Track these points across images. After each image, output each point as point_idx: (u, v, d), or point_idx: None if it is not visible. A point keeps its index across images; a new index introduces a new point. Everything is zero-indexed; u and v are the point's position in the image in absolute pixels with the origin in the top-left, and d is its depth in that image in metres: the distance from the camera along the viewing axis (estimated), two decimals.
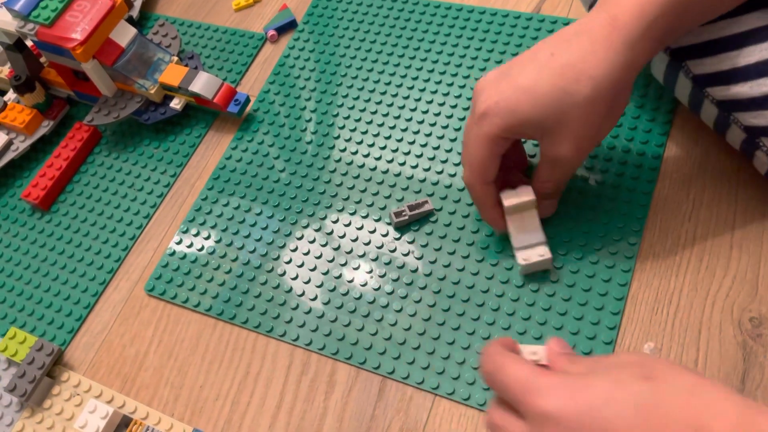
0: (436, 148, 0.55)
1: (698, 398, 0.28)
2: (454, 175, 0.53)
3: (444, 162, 0.54)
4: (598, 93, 0.39)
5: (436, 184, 0.53)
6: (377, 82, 0.60)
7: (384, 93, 0.59)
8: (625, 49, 0.38)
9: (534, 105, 0.40)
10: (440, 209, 0.51)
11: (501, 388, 0.33)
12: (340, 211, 0.53)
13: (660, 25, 0.38)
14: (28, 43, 0.62)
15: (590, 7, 0.48)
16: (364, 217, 0.53)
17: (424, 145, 0.55)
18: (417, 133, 0.56)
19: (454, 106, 0.57)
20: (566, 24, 0.58)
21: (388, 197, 0.53)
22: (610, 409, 0.29)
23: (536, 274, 0.47)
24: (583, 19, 0.41)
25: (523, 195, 0.44)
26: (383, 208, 0.53)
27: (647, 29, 0.38)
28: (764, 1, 0.41)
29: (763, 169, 0.44)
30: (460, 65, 0.59)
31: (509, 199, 0.44)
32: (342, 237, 0.52)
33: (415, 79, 0.59)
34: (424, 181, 0.53)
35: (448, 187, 0.52)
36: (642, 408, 0.29)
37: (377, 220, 0.52)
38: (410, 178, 0.54)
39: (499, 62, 0.58)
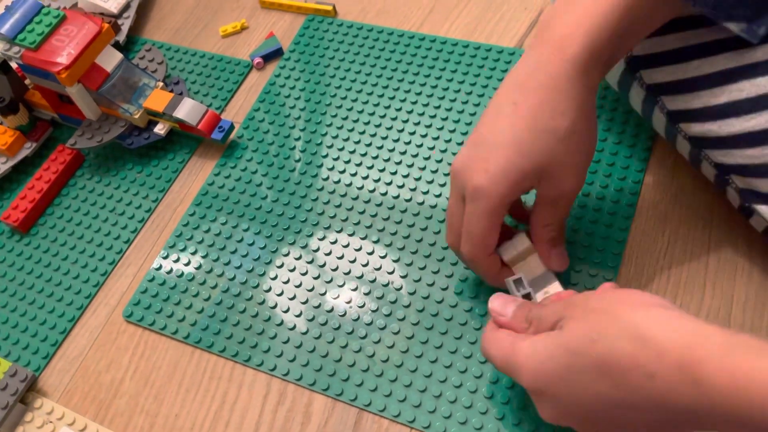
0: (418, 178, 0.55)
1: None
2: (439, 195, 0.54)
3: (429, 183, 0.55)
4: (575, 122, 0.39)
5: (420, 205, 0.54)
6: (361, 112, 0.60)
7: (368, 123, 0.60)
8: (582, 77, 0.39)
9: (522, 155, 0.39)
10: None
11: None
12: (321, 239, 0.54)
13: (606, 52, 0.40)
14: (13, 65, 0.62)
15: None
16: (345, 246, 0.53)
17: (406, 175, 0.56)
18: (399, 163, 0.57)
19: (437, 138, 0.57)
20: None
21: (370, 225, 0.54)
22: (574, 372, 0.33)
23: None
24: (528, 58, 0.41)
25: (519, 244, 0.44)
26: (365, 237, 0.53)
27: (597, 56, 0.39)
28: (734, 44, 0.42)
29: (735, 204, 0.45)
30: (443, 97, 0.59)
31: (507, 252, 0.44)
32: (323, 266, 0.52)
33: (399, 110, 0.60)
34: (408, 205, 0.54)
35: (434, 206, 0.53)
36: (601, 364, 0.32)
37: (358, 250, 0.53)
38: (394, 205, 0.54)
39: (482, 95, 0.59)
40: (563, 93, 0.39)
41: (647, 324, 0.31)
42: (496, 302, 0.41)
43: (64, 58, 0.55)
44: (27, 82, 0.64)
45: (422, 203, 0.54)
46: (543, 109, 0.39)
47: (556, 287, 0.44)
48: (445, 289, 0.49)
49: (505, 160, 0.40)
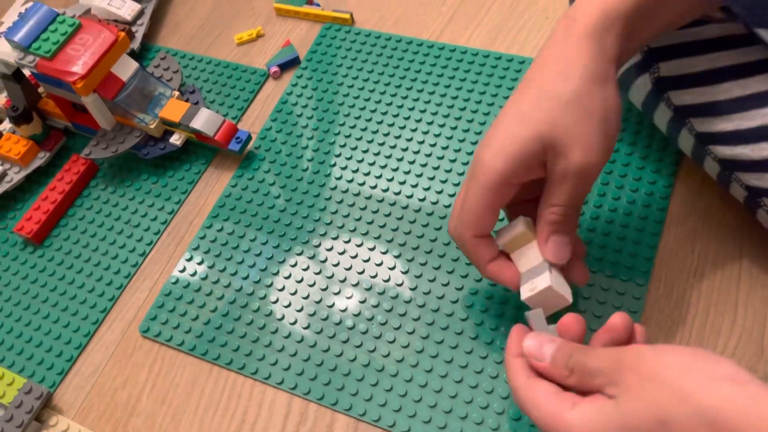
0: (440, 191, 0.54)
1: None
2: (448, 206, 0.53)
3: (439, 192, 0.54)
4: (581, 86, 0.37)
5: (430, 214, 0.53)
6: (380, 122, 0.59)
7: (387, 134, 0.59)
8: (593, 41, 0.37)
9: (521, 124, 0.37)
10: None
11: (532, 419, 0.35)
12: (342, 253, 0.53)
13: (620, 24, 0.38)
14: (27, 73, 0.61)
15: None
16: (365, 261, 0.52)
17: (428, 188, 0.55)
18: (420, 175, 0.56)
19: (458, 150, 0.56)
20: None
21: (391, 239, 0.53)
22: None
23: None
24: (547, 42, 0.40)
25: (517, 226, 0.41)
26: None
27: (609, 22, 0.37)
28: (766, 66, 0.41)
29: (767, 226, 0.44)
30: (464, 108, 0.58)
31: (501, 238, 0.41)
32: (343, 281, 0.51)
33: (419, 121, 0.59)
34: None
35: (443, 218, 0.52)
36: None
37: (379, 265, 0.52)
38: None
39: (502, 106, 0.58)
40: (570, 58, 0.37)
41: (721, 406, 0.28)
42: (532, 343, 0.37)
43: (79, 68, 0.54)
44: (40, 90, 0.63)
45: (431, 213, 0.53)
46: (549, 78, 0.38)
47: (544, 281, 0.39)
48: (470, 307, 0.48)
49: (505, 132, 0.38)
